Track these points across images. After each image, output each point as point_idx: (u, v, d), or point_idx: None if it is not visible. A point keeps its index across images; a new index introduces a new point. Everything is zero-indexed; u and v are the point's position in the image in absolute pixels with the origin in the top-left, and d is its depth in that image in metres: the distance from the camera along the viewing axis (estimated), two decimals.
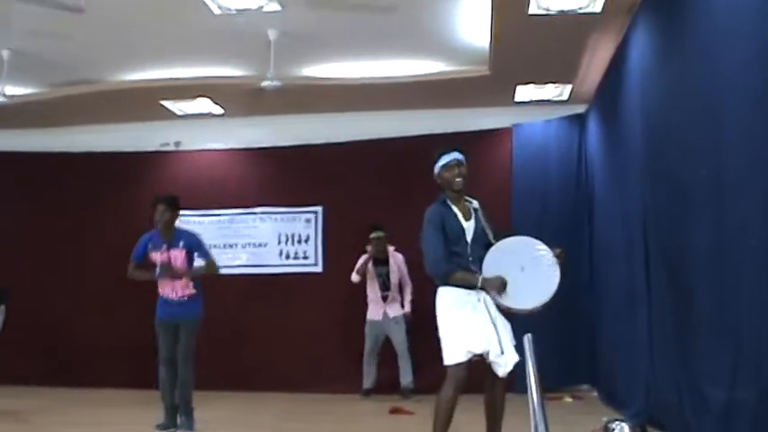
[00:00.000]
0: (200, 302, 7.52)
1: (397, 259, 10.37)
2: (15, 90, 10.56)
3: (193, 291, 7.43)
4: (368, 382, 10.30)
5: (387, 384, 10.29)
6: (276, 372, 10.89)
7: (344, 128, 11.37)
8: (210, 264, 7.60)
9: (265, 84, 9.33)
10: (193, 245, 7.51)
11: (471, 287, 5.25)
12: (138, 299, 10.45)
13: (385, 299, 10.31)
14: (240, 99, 10.86)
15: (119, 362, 11.24)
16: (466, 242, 5.38)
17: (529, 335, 4.28)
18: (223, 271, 10.97)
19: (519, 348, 5.01)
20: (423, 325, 10.28)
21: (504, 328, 5.27)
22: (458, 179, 5.50)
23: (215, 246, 11.18)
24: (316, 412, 9.21)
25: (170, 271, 7.31)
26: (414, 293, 10.24)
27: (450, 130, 10.79)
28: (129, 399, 10.00)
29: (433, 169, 5.66)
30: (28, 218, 11.98)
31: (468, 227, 5.43)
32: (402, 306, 10.33)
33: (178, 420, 7.37)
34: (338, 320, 10.89)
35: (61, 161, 12.12)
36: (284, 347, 11.04)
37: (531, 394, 4.03)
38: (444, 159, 5.62)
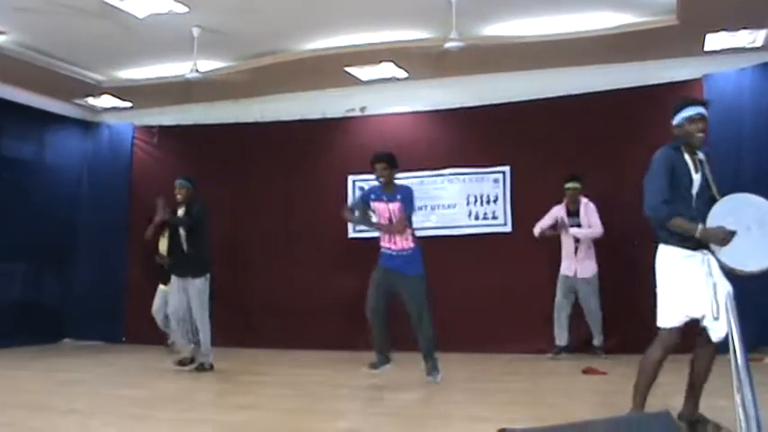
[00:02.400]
0: (419, 257, 7.98)
1: (588, 208, 10.08)
2: (206, 65, 10.96)
3: (412, 244, 7.92)
4: (561, 339, 10.16)
5: (579, 343, 10.21)
6: (466, 332, 10.92)
7: (529, 86, 11.20)
8: (398, 222, 7.94)
9: (448, 45, 9.31)
10: (405, 198, 7.99)
11: (689, 236, 4.93)
12: (326, 262, 10.74)
13: (576, 250, 10.12)
14: (424, 61, 10.87)
15: (313, 324, 11.58)
16: (691, 195, 5.09)
17: (730, 291, 4.08)
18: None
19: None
20: (614, 284, 10.15)
21: (723, 291, 4.91)
22: (699, 134, 5.20)
23: None
24: (506, 372, 9.20)
25: (362, 217, 8.11)
26: (604, 251, 10.07)
27: (638, 83, 10.51)
28: (325, 358, 10.29)
29: (672, 117, 5.33)
30: (226, 187, 12.48)
31: (696, 179, 5.14)
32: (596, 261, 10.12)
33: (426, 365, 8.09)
34: (528, 280, 10.80)
35: (253, 131, 12.57)
36: (474, 308, 11.05)
37: (735, 355, 3.86)
38: (690, 111, 5.26)
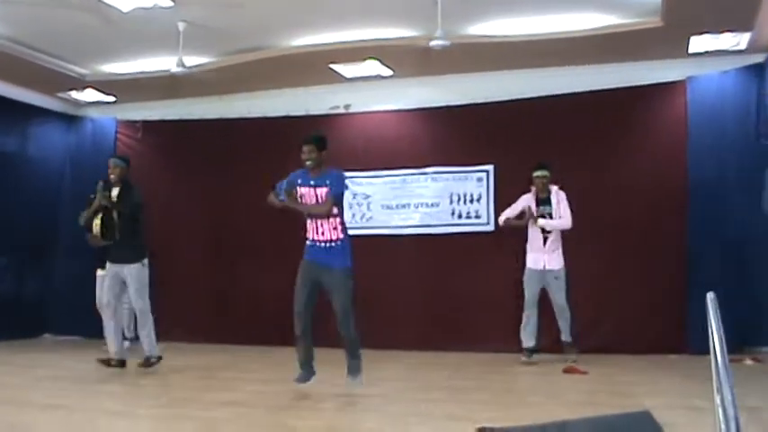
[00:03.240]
0: (348, 251, 7.28)
1: (559, 197, 9.61)
2: (191, 60, 10.92)
3: (341, 235, 7.24)
4: (529, 340, 9.62)
5: (556, 343, 10.03)
6: (447, 330, 10.97)
7: (514, 85, 11.23)
8: (322, 205, 7.27)
9: (433, 43, 9.32)
10: (334, 181, 7.28)
11: None
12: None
13: (545, 242, 9.60)
14: (409, 60, 10.88)
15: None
16: None
17: (711, 294, 4.08)
18: (396, 231, 11.21)
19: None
20: (590, 283, 10.17)
21: None
22: None
23: (388, 206, 11.42)
24: (487, 371, 9.19)
25: (290, 199, 7.32)
26: (581, 250, 9.86)
27: (622, 84, 10.58)
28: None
29: None
30: (210, 183, 12.45)
31: None
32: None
33: (347, 372, 7.31)
34: (510, 279, 10.74)
35: (237, 127, 12.52)
36: (456, 306, 11.09)
37: (715, 355, 3.87)
38: None
